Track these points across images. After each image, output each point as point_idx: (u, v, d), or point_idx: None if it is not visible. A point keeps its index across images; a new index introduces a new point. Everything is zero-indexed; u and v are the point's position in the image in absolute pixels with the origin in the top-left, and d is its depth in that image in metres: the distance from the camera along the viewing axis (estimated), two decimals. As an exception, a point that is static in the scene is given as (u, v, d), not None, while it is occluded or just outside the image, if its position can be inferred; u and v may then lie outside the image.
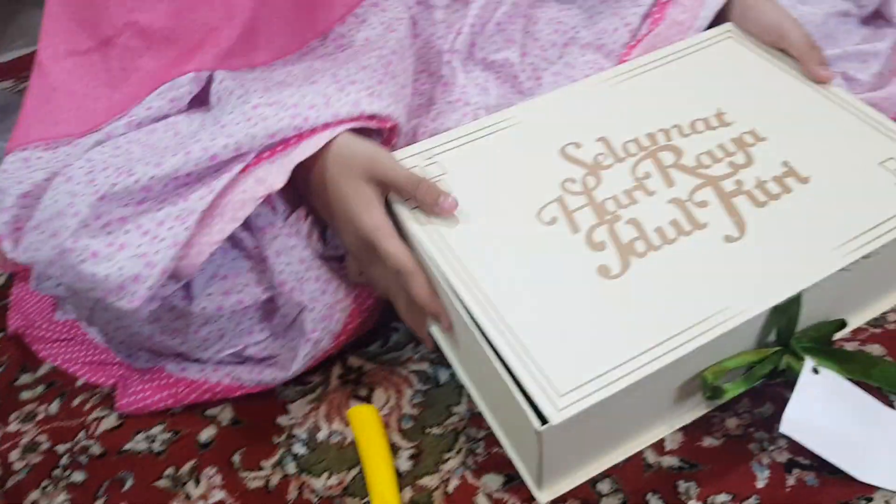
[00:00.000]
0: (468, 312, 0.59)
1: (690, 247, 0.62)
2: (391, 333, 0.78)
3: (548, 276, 0.61)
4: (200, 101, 0.69)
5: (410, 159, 0.69)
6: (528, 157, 0.70)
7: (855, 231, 0.62)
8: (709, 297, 0.59)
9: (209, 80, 0.69)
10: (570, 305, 0.59)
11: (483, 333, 0.58)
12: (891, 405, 0.64)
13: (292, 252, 0.68)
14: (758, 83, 0.75)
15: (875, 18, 0.89)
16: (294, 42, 0.70)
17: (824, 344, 0.64)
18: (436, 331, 0.68)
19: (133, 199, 0.62)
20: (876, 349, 0.68)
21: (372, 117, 0.66)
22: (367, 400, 0.72)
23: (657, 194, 0.67)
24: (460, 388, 0.72)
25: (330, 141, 0.65)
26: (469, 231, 0.64)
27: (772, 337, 0.62)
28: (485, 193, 0.67)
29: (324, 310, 0.69)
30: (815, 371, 0.60)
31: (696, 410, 0.64)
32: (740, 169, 0.68)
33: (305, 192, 0.69)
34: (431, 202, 0.64)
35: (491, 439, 0.66)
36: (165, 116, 0.68)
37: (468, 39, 0.81)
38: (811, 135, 0.70)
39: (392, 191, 0.66)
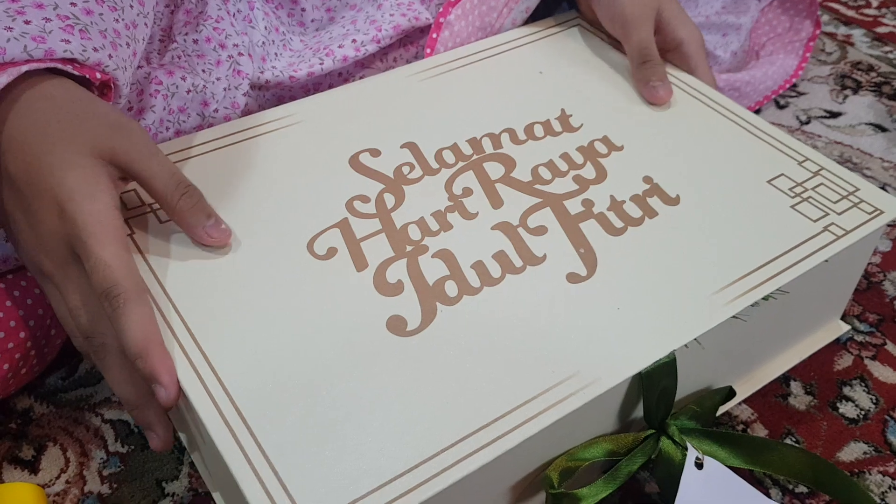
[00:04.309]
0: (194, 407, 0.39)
1: (521, 290, 0.44)
2: (79, 360, 0.54)
3: (312, 336, 0.41)
4: None
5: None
6: (308, 168, 0.50)
7: (743, 268, 0.45)
8: (546, 362, 0.40)
9: None
10: (343, 383, 0.39)
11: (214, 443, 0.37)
12: (768, 495, 0.48)
13: None
14: (612, 80, 0.59)
15: None
16: None
17: (708, 422, 0.46)
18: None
19: None
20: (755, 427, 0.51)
21: (69, 62, 0.42)
22: (33, 464, 0.49)
23: (479, 218, 0.48)
24: (181, 454, 0.49)
25: (22, 86, 0.41)
26: (206, 274, 0.44)
27: (638, 412, 0.44)
28: (241, 218, 0.47)
29: None
30: (699, 465, 0.42)
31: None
32: (590, 185, 0.50)
33: None
34: (195, 219, 0.43)
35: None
36: None
37: None
38: (679, 144, 0.53)
39: (139, 186, 0.43)
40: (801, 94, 0.80)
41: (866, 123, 0.77)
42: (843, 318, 0.57)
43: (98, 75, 0.43)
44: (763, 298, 0.43)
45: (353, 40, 0.60)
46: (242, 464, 0.36)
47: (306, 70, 0.59)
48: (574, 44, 0.62)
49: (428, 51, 0.60)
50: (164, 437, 0.42)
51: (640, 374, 0.40)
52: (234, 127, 0.52)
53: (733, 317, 0.43)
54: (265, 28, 0.59)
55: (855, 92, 0.81)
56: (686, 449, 0.42)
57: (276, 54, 0.60)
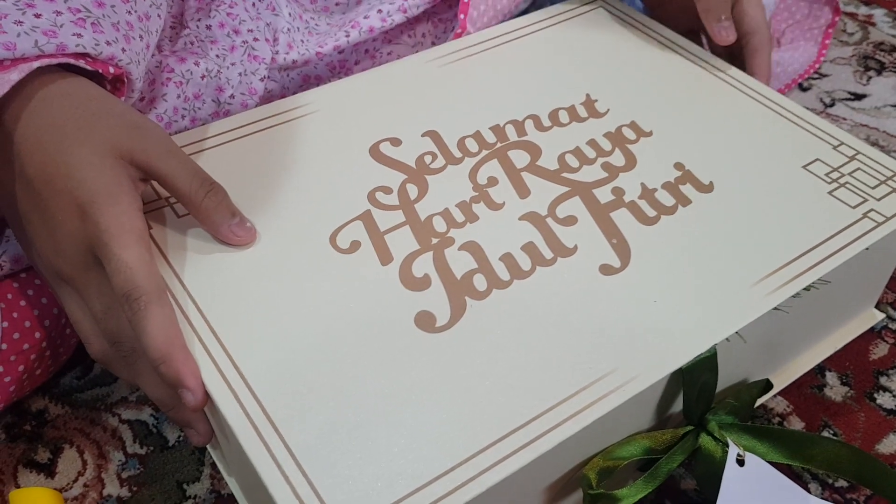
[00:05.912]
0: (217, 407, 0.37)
1: (553, 283, 0.42)
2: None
3: (338, 333, 0.39)
4: None
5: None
6: (328, 159, 0.49)
7: (783, 257, 0.43)
8: (582, 358, 0.39)
9: None
10: (372, 381, 0.38)
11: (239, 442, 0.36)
12: (807, 489, 0.46)
13: None
14: (638, 64, 0.57)
15: None
16: None
17: (745, 416, 0.44)
18: None
19: None
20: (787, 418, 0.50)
21: (81, 56, 0.40)
22: (50, 467, 0.47)
23: (506, 208, 0.46)
24: (202, 454, 0.48)
25: (35, 83, 0.39)
26: (227, 270, 0.42)
27: (675, 407, 0.42)
28: (261, 211, 0.45)
29: None
30: (740, 462, 0.41)
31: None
32: (620, 173, 0.49)
33: None
34: (220, 218, 0.42)
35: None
36: None
37: None
38: (710, 129, 0.52)
39: (161, 186, 0.41)
40: (823, 75, 0.78)
41: (892, 105, 0.75)
42: (876, 307, 0.55)
43: (111, 69, 0.41)
44: (805, 289, 0.42)
45: (379, 10, 0.58)
46: (271, 466, 0.34)
47: (332, 44, 0.57)
48: (597, 26, 0.60)
49: (462, 16, 0.58)
50: (204, 432, 0.40)
51: (680, 369, 0.39)
52: (250, 117, 0.51)
53: (774, 308, 0.41)
54: (289, 14, 0.57)
55: (879, 73, 0.79)
56: (726, 445, 0.41)
57: (301, 41, 0.58)
